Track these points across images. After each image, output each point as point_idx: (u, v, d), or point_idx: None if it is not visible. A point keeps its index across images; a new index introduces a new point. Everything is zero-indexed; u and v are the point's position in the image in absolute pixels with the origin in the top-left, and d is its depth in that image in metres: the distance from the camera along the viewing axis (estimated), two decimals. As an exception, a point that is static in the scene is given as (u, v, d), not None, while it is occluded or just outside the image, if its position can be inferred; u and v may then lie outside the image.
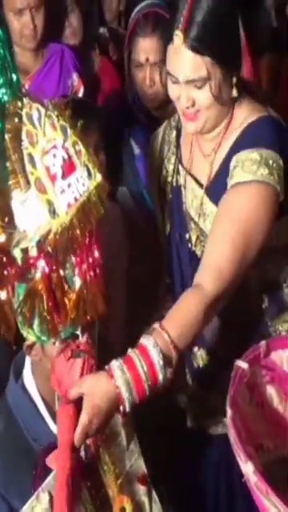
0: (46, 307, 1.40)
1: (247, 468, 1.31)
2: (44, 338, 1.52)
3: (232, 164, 1.82)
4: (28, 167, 1.31)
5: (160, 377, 1.57)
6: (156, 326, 1.62)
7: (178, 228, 1.98)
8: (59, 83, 2.82)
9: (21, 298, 1.45)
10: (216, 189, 1.88)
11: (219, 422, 2.04)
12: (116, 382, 1.52)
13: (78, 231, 1.36)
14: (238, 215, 1.76)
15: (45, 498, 1.59)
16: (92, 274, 1.41)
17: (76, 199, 1.38)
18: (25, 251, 1.41)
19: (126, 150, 2.52)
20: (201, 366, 2.06)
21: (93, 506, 1.67)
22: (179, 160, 1.99)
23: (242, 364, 1.57)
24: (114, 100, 2.70)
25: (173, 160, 1.99)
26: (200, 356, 2.05)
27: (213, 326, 1.95)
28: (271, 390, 1.64)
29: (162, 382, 1.58)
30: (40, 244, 1.38)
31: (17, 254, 1.43)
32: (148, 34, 2.39)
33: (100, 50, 3.08)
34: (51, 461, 1.53)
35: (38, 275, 1.39)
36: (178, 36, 1.74)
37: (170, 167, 2.00)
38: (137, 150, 2.51)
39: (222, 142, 1.90)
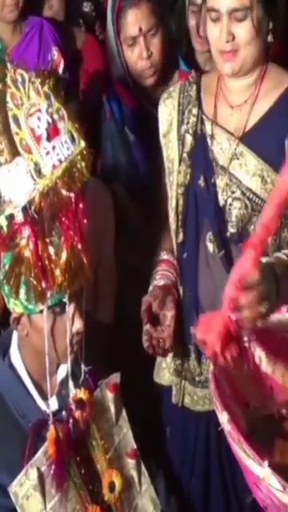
0: (32, 273, 1.39)
1: (222, 417, 1.36)
2: (31, 306, 1.51)
3: None
4: (13, 127, 1.31)
5: None
6: None
7: (204, 174, 1.98)
8: (38, 57, 2.78)
9: (7, 267, 1.45)
10: (256, 139, 1.92)
11: (205, 397, 2.04)
12: None
13: (63, 192, 1.36)
14: None
15: (33, 473, 1.58)
16: (78, 239, 1.41)
17: (61, 161, 1.39)
18: (10, 218, 1.40)
19: (122, 139, 2.51)
20: None
21: (82, 481, 1.66)
22: (202, 111, 2.01)
23: None
24: (98, 79, 2.67)
25: (194, 111, 2.01)
26: None
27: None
28: (260, 352, 1.65)
29: None
30: (26, 209, 1.37)
31: (2, 222, 1.42)
32: (135, 3, 2.37)
33: (86, 27, 3.05)
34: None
35: (24, 241, 1.38)
36: None
37: (192, 118, 2.01)
38: (131, 137, 2.50)
39: (259, 94, 1.93)
